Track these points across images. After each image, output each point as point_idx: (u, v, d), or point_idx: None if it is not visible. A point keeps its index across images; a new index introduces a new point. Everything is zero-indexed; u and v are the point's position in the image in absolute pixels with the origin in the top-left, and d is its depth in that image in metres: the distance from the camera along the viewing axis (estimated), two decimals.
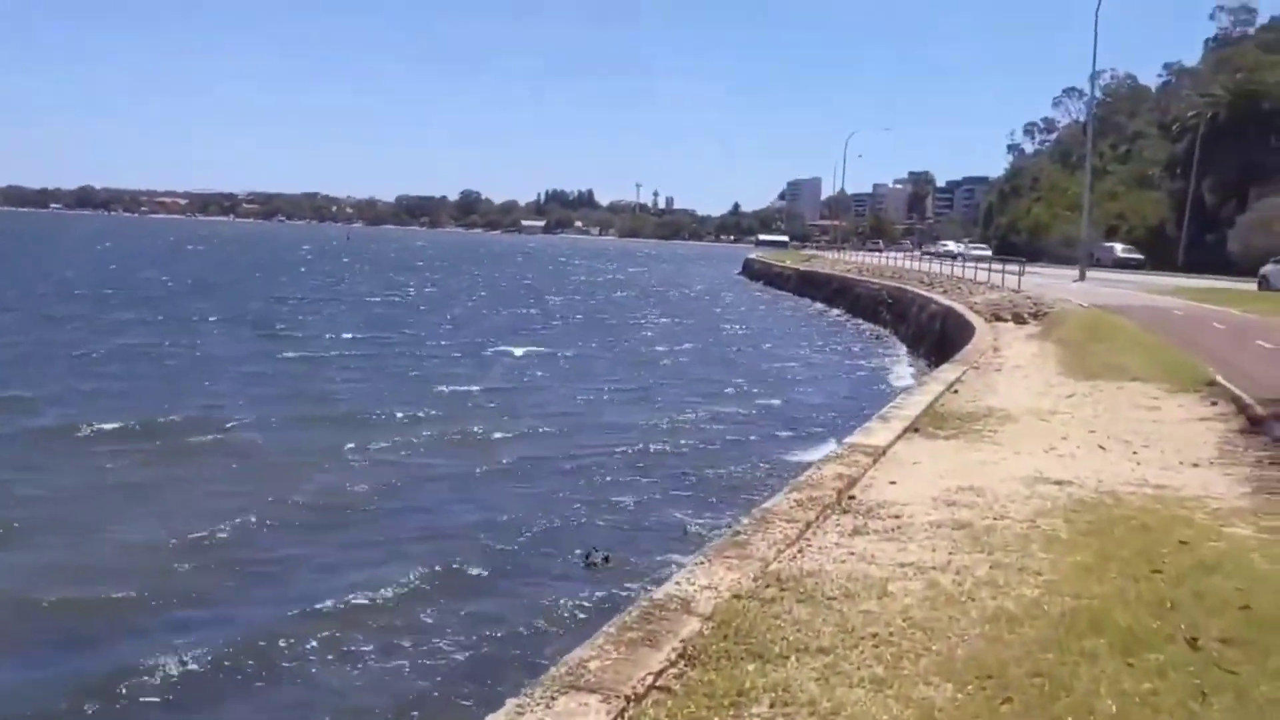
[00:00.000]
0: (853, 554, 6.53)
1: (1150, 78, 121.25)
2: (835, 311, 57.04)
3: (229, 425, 19.06)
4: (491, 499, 15.21)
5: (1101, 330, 22.35)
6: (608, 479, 16.49)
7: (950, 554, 6.50)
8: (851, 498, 8.14)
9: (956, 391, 14.56)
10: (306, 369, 26.75)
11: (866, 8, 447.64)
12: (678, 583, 5.83)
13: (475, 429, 19.65)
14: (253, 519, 13.47)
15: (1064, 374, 16.46)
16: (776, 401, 24.64)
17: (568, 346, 34.79)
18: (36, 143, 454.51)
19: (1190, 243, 72.96)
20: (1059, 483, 8.54)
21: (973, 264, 48.90)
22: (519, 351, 32.50)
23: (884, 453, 9.97)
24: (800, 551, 6.58)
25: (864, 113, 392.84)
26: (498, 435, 19.27)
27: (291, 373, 26.04)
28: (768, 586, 5.82)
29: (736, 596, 5.60)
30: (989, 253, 73.02)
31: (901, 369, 31.42)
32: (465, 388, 24.63)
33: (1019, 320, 28.23)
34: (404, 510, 14.44)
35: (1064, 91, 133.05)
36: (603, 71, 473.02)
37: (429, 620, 10.53)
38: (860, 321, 49.51)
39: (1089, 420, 11.91)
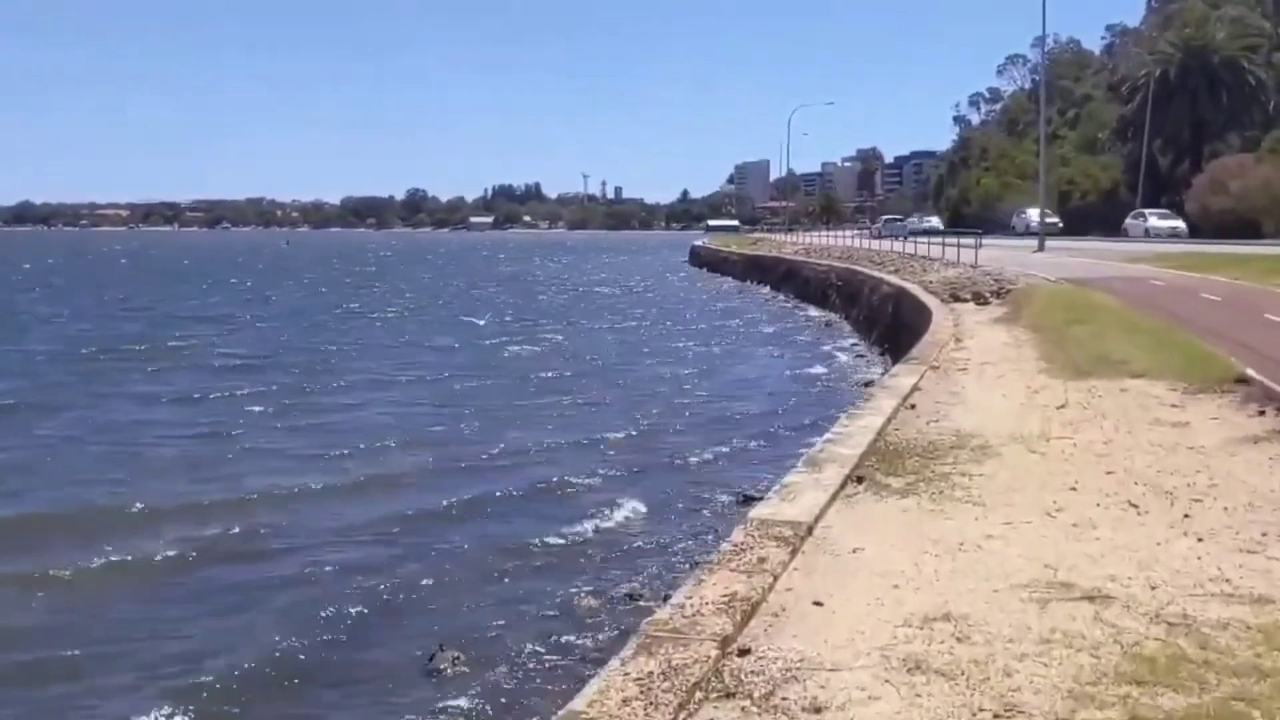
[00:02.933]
0: None
1: (1094, 42, 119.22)
2: (782, 297, 53.97)
3: None
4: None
5: (1079, 309, 19.08)
6: (471, 535, 13.10)
7: None
8: (745, 653, 4.75)
9: (913, 406, 11.22)
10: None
11: None
12: None
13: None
14: None
15: (1047, 371, 13.16)
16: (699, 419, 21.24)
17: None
18: None
19: (1145, 206, 70.34)
20: (1090, 598, 5.16)
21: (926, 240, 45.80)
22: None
23: (809, 532, 6.60)
24: None
25: (808, 92, 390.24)
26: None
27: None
28: None
29: None
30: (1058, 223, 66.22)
31: (848, 360, 28.14)
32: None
33: (980, 300, 25.00)
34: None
35: (1007, 59, 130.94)
36: (541, 62, 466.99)
37: None
38: (809, 308, 46.35)
39: (1099, 450, 8.58)
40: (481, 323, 41.97)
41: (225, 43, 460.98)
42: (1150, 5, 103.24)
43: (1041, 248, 45.14)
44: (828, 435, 9.47)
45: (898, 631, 4.86)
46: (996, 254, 38.85)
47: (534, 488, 15.33)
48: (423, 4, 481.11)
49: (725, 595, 5.30)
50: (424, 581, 11.39)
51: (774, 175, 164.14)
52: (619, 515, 13.84)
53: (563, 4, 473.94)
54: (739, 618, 5.05)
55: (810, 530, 6.64)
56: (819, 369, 27.02)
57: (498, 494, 14.89)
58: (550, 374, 26.25)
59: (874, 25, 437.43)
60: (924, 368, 14.15)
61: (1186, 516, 6.58)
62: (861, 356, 29.23)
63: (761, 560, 5.92)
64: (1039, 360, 14.21)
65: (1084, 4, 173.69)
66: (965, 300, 25.46)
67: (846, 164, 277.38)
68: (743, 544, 6.23)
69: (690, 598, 5.30)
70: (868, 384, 19.47)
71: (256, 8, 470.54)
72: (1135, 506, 6.85)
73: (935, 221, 77.51)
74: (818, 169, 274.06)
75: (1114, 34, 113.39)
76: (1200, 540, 6.08)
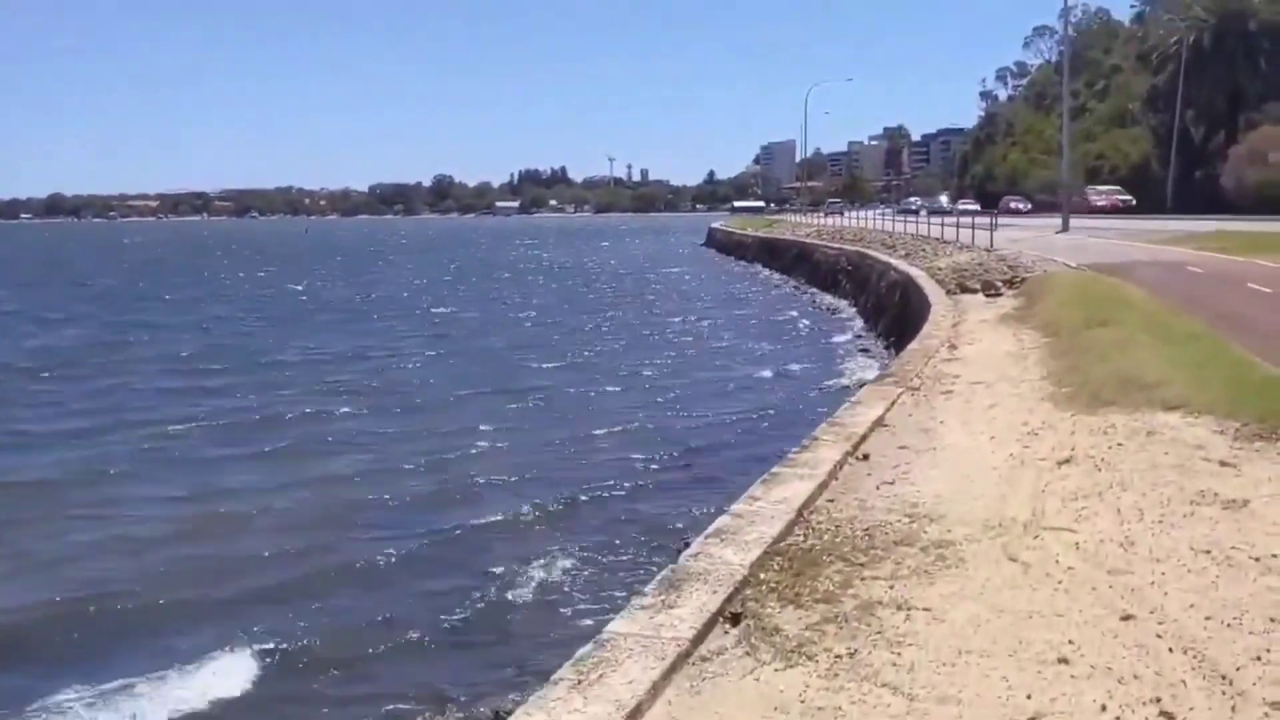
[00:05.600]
0: None
1: (1124, 12, 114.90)
2: (793, 282, 50.97)
3: None
4: None
5: (1102, 305, 15.92)
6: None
7: None
8: None
9: (866, 457, 8.29)
10: None
11: None
12: None
13: None
14: None
15: (1053, 398, 10.13)
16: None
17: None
18: (3, 153, 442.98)
19: (1179, 180, 66.78)
20: None
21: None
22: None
23: None
24: None
25: (836, 70, 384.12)
26: None
27: None
28: None
29: None
30: None
31: (850, 364, 25.03)
32: None
33: (990, 291, 21.92)
34: None
35: (1034, 30, 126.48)
36: (568, 46, 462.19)
37: None
38: (818, 293, 43.33)
39: (1112, 561, 5.57)
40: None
41: (250, 31, 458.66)
42: None
43: (1065, 227, 41.85)
44: (717, 523, 6.50)
45: None
46: (1016, 235, 35.75)
47: (439, 529, 12.64)
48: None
49: None
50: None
51: (800, 155, 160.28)
52: (524, 572, 11.05)
53: None
54: None
55: None
56: (811, 367, 23.92)
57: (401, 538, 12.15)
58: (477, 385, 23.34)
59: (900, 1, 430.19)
60: (899, 389, 11.19)
61: None
62: (865, 351, 26.21)
63: None
64: (1045, 380, 11.16)
65: None
66: (974, 290, 22.43)
67: (873, 142, 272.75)
68: None
69: None
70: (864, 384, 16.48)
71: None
72: (1169, 717, 3.88)
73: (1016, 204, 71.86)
74: (844, 148, 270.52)
75: (1144, 2, 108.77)
76: None
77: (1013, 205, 69.01)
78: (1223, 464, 7.33)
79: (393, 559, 11.61)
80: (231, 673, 8.90)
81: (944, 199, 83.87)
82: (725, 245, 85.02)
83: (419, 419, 19.14)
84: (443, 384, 22.94)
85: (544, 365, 25.76)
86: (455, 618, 10.02)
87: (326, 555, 11.83)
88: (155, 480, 15.04)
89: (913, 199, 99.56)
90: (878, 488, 7.41)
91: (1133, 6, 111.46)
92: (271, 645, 9.38)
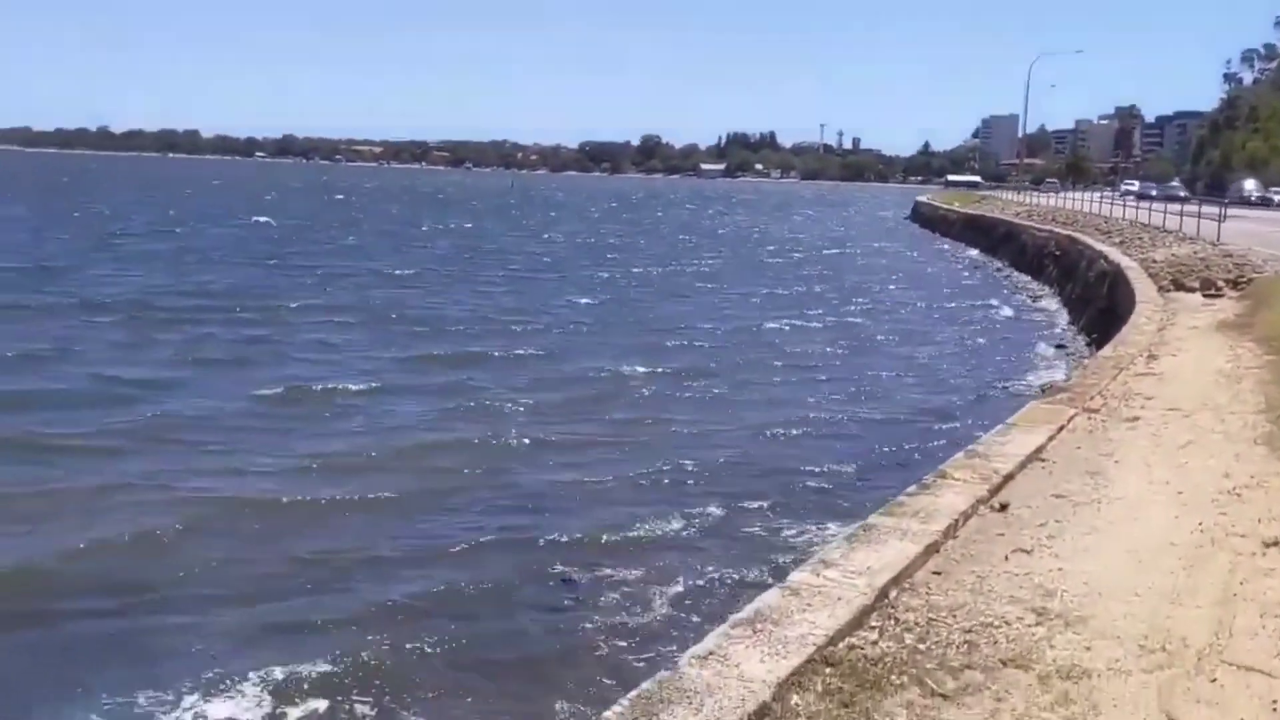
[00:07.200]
0: None
1: None
2: (996, 264, 47.92)
3: None
4: None
5: None
6: None
7: None
8: None
9: (1004, 508, 6.33)
10: None
11: None
12: None
13: None
14: None
15: (1269, 442, 7.88)
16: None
17: None
18: (243, 93, 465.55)
19: None
20: None
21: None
22: None
23: None
24: None
25: (1063, 40, 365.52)
26: None
27: None
28: None
29: None
30: None
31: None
32: None
33: (1209, 291, 19.15)
34: None
35: None
36: (784, 9, 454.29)
37: None
38: (1021, 278, 40.40)
39: None
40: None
41: None
42: None
43: None
44: (757, 603, 4.71)
45: None
46: (1248, 228, 32.14)
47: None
48: None
49: None
50: None
51: (1021, 130, 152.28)
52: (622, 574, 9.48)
53: None
54: None
55: None
56: (991, 363, 21.52)
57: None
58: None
59: None
60: (1073, 410, 9.07)
61: None
62: (1062, 347, 23.61)
63: None
64: (1262, 414, 8.83)
65: None
66: (1191, 289, 19.67)
67: (1103, 122, 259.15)
68: None
69: None
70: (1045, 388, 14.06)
71: None
72: None
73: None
74: (1070, 125, 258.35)
75: None
76: None
77: None
78: None
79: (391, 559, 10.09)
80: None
81: (1250, 185, 70.43)
82: (930, 220, 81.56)
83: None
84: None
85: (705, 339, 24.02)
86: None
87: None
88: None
89: (1171, 183, 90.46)
90: (1007, 558, 5.50)
91: None
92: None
